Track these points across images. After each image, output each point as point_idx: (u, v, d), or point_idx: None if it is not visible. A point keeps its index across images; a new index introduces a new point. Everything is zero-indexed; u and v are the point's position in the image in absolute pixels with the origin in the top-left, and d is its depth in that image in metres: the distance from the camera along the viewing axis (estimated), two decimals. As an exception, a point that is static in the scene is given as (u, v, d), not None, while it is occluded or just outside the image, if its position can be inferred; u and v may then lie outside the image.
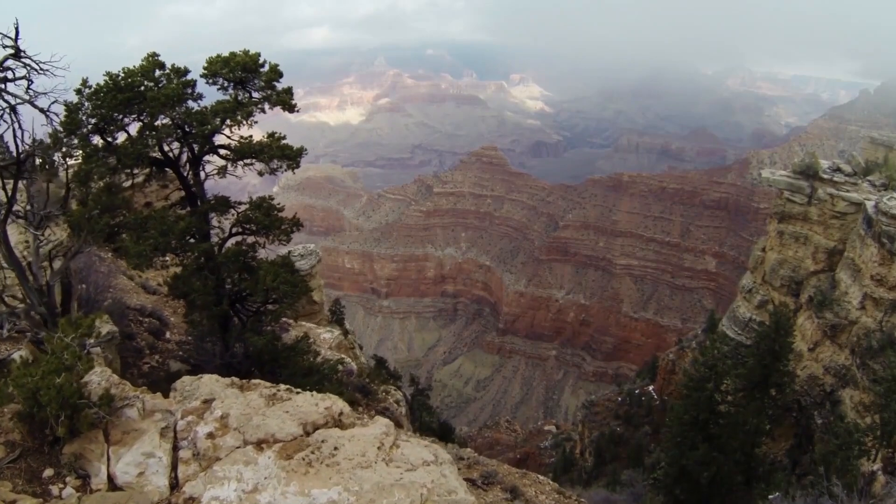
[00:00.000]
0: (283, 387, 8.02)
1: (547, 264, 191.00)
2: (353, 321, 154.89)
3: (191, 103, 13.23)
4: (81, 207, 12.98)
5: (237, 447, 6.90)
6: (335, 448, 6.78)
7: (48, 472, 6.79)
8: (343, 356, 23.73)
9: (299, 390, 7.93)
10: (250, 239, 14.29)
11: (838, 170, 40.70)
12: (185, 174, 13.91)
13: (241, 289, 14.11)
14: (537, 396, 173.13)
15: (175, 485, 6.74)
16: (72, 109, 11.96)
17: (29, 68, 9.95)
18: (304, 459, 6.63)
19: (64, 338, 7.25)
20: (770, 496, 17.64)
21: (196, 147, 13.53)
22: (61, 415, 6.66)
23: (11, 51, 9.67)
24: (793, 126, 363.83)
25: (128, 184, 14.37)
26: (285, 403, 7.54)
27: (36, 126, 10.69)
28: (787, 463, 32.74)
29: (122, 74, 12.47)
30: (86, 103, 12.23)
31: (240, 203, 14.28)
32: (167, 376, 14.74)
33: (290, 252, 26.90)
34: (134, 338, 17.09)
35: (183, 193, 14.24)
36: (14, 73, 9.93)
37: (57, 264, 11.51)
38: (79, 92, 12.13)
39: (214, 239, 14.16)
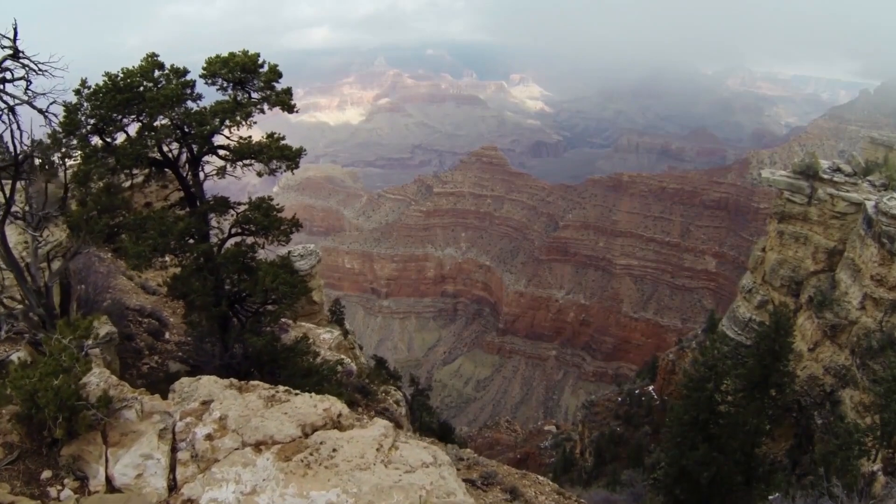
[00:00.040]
0: (281, 388, 8.01)
1: (547, 264, 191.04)
2: (353, 321, 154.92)
3: (190, 104, 13.21)
4: (81, 208, 12.96)
5: (236, 449, 6.89)
6: (334, 450, 6.77)
7: (46, 474, 6.78)
8: (343, 357, 23.73)
9: (298, 392, 7.92)
10: (249, 239, 14.27)
11: (838, 170, 40.70)
12: (185, 175, 13.90)
13: (240, 289, 14.09)
14: (537, 396, 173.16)
15: (173, 486, 6.72)
16: (71, 110, 11.94)
17: (27, 69, 9.92)
18: (302, 461, 6.61)
19: (62, 339, 7.23)
20: (770, 497, 17.64)
21: (195, 148, 13.51)
22: (59, 416, 6.64)
23: (10, 51, 9.64)
24: (793, 126, 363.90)
25: (127, 184, 14.36)
26: (284, 405, 7.53)
27: (35, 127, 10.67)
28: (787, 463, 32.73)
29: (121, 75, 12.45)
30: (85, 104, 12.22)
31: (239, 203, 14.26)
32: (166, 377, 14.73)
33: (289, 252, 26.89)
34: (133, 338, 17.07)
35: (182, 194, 14.23)
36: (13, 74, 9.90)
37: (56, 265, 11.49)
38: (78, 92, 12.11)
39: (214, 239, 14.14)
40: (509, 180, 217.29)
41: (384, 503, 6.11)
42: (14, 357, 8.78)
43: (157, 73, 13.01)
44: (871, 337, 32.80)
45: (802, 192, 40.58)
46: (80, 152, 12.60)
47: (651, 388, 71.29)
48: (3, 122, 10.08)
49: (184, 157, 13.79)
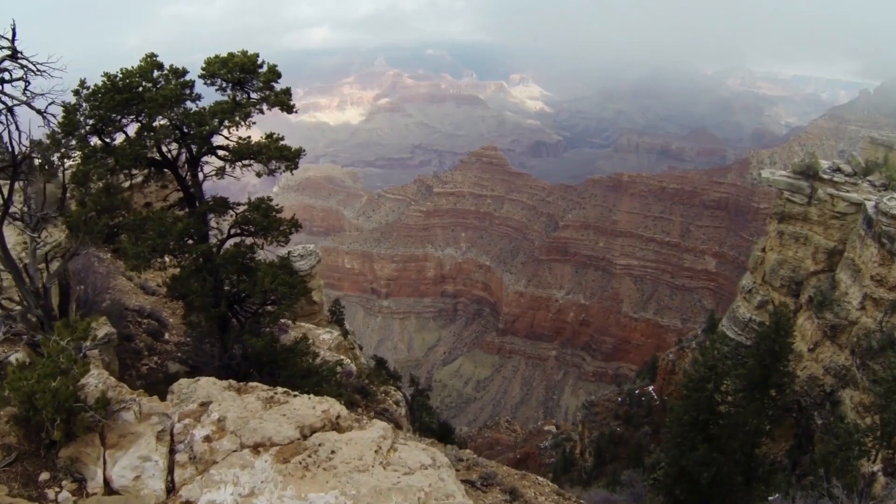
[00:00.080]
0: (280, 390, 7.99)
1: (547, 264, 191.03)
2: (352, 321, 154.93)
3: (189, 104, 13.21)
4: (80, 208, 12.95)
5: (234, 451, 6.87)
6: (332, 452, 6.75)
7: (44, 476, 6.76)
8: (342, 357, 23.71)
9: (297, 393, 7.90)
10: (248, 240, 14.27)
11: (838, 170, 40.67)
12: (184, 175, 13.89)
13: (239, 290, 14.09)
14: (537, 396, 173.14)
15: (171, 488, 6.70)
16: (70, 110, 11.94)
17: (26, 69, 9.90)
18: (300, 463, 6.59)
19: (59, 341, 7.22)
20: (770, 498, 17.63)
21: (194, 148, 13.51)
22: (57, 418, 6.63)
23: (8, 52, 9.62)
24: (793, 126, 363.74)
25: (126, 185, 14.35)
26: (282, 406, 7.51)
27: (33, 127, 10.65)
28: (787, 463, 32.71)
29: (120, 75, 12.45)
30: (83, 104, 12.22)
31: (238, 204, 14.25)
32: (166, 378, 14.71)
33: (289, 252, 26.88)
34: (132, 339, 17.06)
35: (181, 194, 14.22)
36: (11, 75, 9.88)
37: (54, 266, 11.47)
38: (77, 93, 12.11)
39: (213, 240, 14.13)
40: (509, 180, 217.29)
41: (383, 505, 6.09)
42: (12, 358, 8.76)
43: (156, 73, 13.01)
44: (871, 337, 32.78)
45: (802, 192, 40.56)
46: (79, 153, 12.60)
47: (651, 388, 71.28)
48: (2, 122, 10.05)
49: (183, 158, 13.79)
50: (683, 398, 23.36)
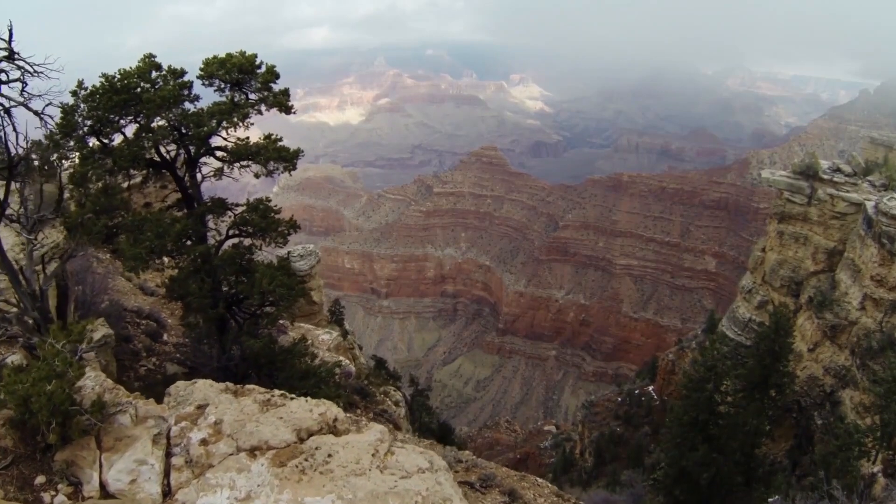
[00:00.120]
0: (277, 392, 7.95)
1: (547, 264, 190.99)
2: (352, 321, 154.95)
3: (187, 105, 13.17)
4: (79, 209, 12.91)
5: (230, 454, 6.84)
6: (329, 455, 6.72)
7: (40, 479, 6.73)
8: (341, 358, 23.67)
9: (293, 396, 7.86)
10: (247, 241, 14.22)
11: (838, 170, 40.63)
12: (182, 176, 13.85)
13: (237, 291, 14.05)
14: (537, 396, 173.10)
15: (168, 492, 6.68)
16: (67, 111, 11.90)
17: (23, 70, 9.87)
18: (297, 467, 6.56)
19: (55, 344, 7.18)
20: (770, 499, 17.58)
21: (192, 149, 13.47)
22: (52, 422, 6.60)
23: (5, 53, 9.59)
24: (793, 126, 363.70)
25: (125, 185, 14.31)
26: (279, 409, 7.48)
27: (29, 129, 10.62)
28: (787, 464, 32.69)
29: (118, 76, 12.41)
30: (82, 105, 12.18)
31: (237, 205, 14.21)
32: (164, 379, 14.68)
33: (289, 252, 26.85)
34: (131, 340, 17.01)
35: (179, 195, 14.19)
36: (8, 76, 9.85)
37: (51, 268, 11.43)
38: (74, 94, 12.07)
39: (211, 241, 14.09)
40: (509, 180, 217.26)
41: (380, 509, 6.05)
42: (8, 361, 8.73)
43: (154, 74, 12.97)
44: (871, 337, 32.75)
45: (802, 192, 40.52)
46: (77, 153, 12.56)
47: (651, 388, 71.22)
48: (-1, 123, 10.03)
49: (181, 159, 13.75)
50: (683, 398, 23.33)
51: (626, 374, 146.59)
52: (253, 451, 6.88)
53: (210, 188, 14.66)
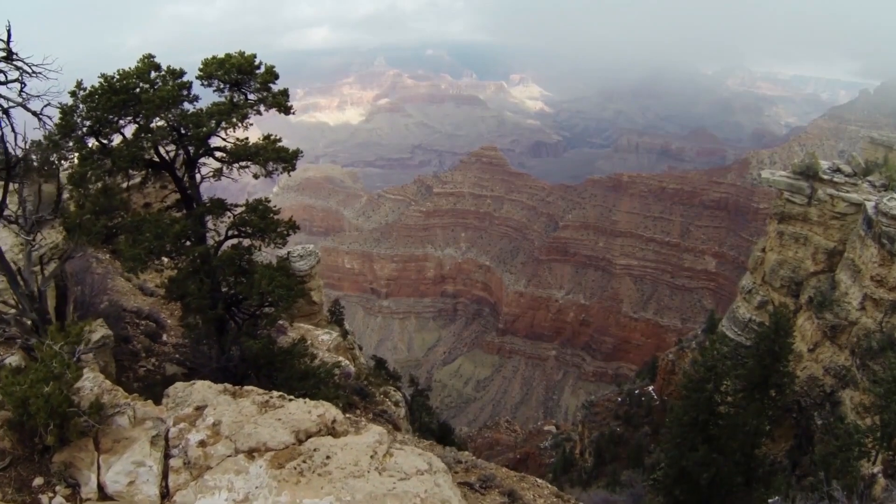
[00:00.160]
0: (275, 394, 7.94)
1: (547, 264, 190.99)
2: (352, 321, 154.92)
3: (186, 105, 13.16)
4: (78, 210, 12.90)
5: (228, 456, 6.82)
6: (327, 457, 6.70)
7: (38, 481, 6.72)
8: (340, 359, 23.65)
9: (292, 397, 7.85)
10: (246, 242, 14.21)
11: (838, 170, 40.59)
12: (181, 177, 13.84)
13: (236, 292, 14.04)
14: (537, 396, 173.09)
15: (166, 494, 6.66)
16: (66, 112, 11.89)
17: (21, 71, 9.85)
18: (295, 468, 6.54)
19: (53, 345, 7.17)
20: (770, 500, 17.56)
21: (191, 149, 13.46)
22: (50, 423, 6.58)
23: (3, 53, 9.57)
24: (793, 126, 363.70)
25: (124, 186, 14.30)
26: (278, 411, 7.46)
27: (28, 129, 10.60)
28: (787, 464, 32.67)
29: (117, 76, 12.40)
30: (80, 105, 12.17)
31: (236, 205, 14.21)
32: (163, 380, 14.67)
33: (289, 253, 26.83)
34: (130, 341, 17.01)
35: (179, 196, 14.18)
36: (6, 76, 9.83)
37: (50, 268, 11.42)
38: (73, 94, 12.06)
39: (210, 242, 14.08)
40: (509, 180, 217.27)
41: (378, 511, 6.04)
42: (7, 362, 8.72)
43: (153, 74, 12.96)
44: (871, 338, 32.72)
45: (802, 192, 40.49)
46: (76, 154, 12.55)
47: (651, 388, 71.20)
48: (-3, 124, 10.01)
49: (180, 159, 13.74)
50: (683, 398, 23.32)
51: (626, 374, 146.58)
52: (251, 453, 6.87)
53: (210, 188, 14.65)
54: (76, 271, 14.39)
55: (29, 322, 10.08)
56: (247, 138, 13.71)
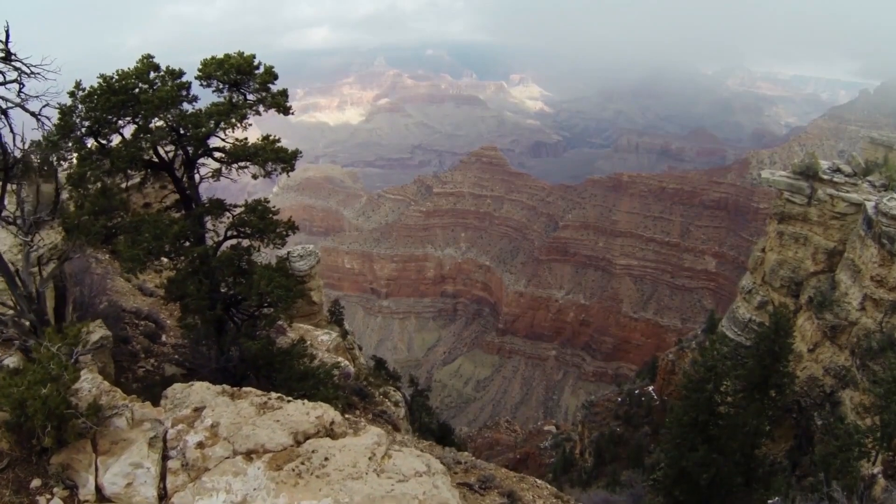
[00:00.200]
0: (274, 395, 7.92)
1: (547, 264, 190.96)
2: (352, 321, 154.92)
3: (185, 105, 13.14)
4: (77, 210, 12.88)
5: (227, 457, 6.80)
6: (326, 458, 6.68)
7: (35, 483, 6.70)
8: (340, 359, 23.64)
9: (290, 399, 7.83)
10: (245, 242, 14.20)
11: (838, 170, 40.58)
12: (180, 177, 13.82)
13: (235, 293, 14.02)
14: (537, 396, 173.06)
15: (163, 495, 6.64)
16: (65, 112, 11.87)
17: (20, 71, 9.83)
18: (293, 470, 6.53)
19: (50, 347, 7.15)
20: (770, 500, 17.55)
21: (190, 150, 13.44)
22: (48, 425, 6.57)
23: (1, 54, 9.55)
24: (793, 126, 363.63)
25: (123, 186, 14.29)
26: (276, 412, 7.44)
27: (27, 130, 10.59)
28: (787, 464, 32.63)
29: (116, 76, 12.39)
30: (79, 106, 12.15)
31: (235, 206, 14.19)
32: (162, 380, 14.64)
33: (289, 253, 26.81)
34: (129, 341, 16.99)
35: (178, 196, 14.16)
36: (4, 77, 9.82)
37: (48, 269, 11.40)
38: (72, 94, 12.04)
39: (209, 242, 14.06)
40: (509, 180, 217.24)
41: (377, 513, 6.02)
42: (5, 364, 8.70)
43: (152, 74, 12.94)
44: (871, 338, 32.70)
45: (802, 192, 40.48)
46: (75, 154, 12.53)
47: (651, 388, 71.17)
48: (-4, 124, 9.99)
49: (179, 160, 13.72)
50: (683, 399, 23.26)
51: (626, 374, 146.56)
52: (249, 455, 6.85)
53: (209, 189, 14.64)
54: (75, 272, 14.36)
55: (27, 323, 10.06)
56: (246, 138, 13.69)
